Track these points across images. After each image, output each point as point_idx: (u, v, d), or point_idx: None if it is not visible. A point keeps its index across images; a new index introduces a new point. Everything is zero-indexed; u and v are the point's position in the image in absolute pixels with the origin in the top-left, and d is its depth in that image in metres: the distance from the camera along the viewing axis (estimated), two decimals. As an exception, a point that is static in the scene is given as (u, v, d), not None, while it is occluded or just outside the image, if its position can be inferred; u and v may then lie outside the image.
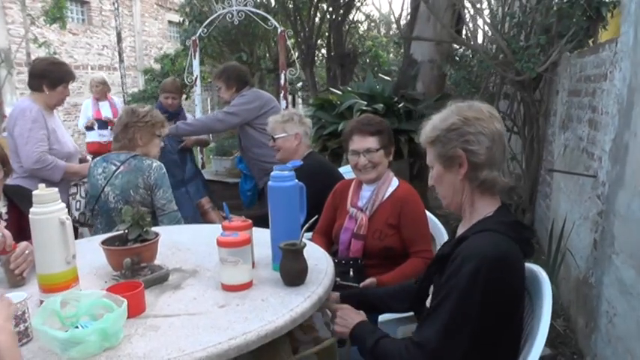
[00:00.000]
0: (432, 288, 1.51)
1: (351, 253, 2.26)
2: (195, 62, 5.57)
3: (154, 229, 1.93)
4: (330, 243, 2.45)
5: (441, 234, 2.45)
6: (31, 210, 1.54)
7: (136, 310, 1.46)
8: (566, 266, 3.30)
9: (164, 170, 2.67)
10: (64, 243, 1.55)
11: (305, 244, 1.65)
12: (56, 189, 1.59)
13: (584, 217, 3.03)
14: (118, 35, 6.86)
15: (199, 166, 5.76)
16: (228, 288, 1.62)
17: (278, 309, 1.46)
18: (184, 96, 4.75)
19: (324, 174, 2.85)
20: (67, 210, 1.60)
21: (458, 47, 6.07)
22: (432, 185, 1.53)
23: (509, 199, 4.93)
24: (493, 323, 1.30)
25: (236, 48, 9.38)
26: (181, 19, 9.74)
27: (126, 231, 1.81)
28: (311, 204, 2.52)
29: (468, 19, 5.29)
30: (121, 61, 7.18)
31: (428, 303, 1.50)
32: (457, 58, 5.75)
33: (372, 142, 2.25)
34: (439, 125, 1.44)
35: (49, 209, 1.53)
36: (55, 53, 6.68)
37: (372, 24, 14.33)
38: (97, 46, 13.33)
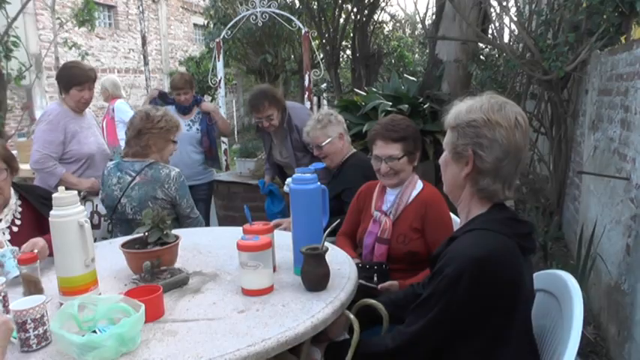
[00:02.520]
0: None
1: (375, 258, 2.21)
2: (220, 64, 5.59)
3: (175, 231, 1.93)
4: (354, 244, 2.41)
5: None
6: (51, 213, 1.55)
7: (154, 314, 1.45)
8: (596, 272, 3.19)
9: (183, 177, 2.62)
10: (82, 246, 1.55)
11: (327, 249, 1.62)
12: (75, 192, 1.59)
13: (615, 220, 2.93)
14: (143, 38, 6.95)
15: (223, 168, 5.77)
16: (248, 293, 1.60)
17: (299, 315, 1.43)
18: (209, 98, 4.73)
19: (371, 175, 2.79)
20: (86, 212, 1.60)
21: (484, 46, 5.98)
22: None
23: (536, 201, 4.82)
24: (487, 323, 1.28)
25: (260, 50, 9.42)
26: (206, 22, 9.81)
27: (146, 234, 1.80)
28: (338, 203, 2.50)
29: (494, 18, 5.19)
30: (146, 64, 7.27)
31: None
32: (483, 58, 5.66)
33: (394, 148, 2.18)
34: (463, 116, 1.39)
35: (68, 212, 1.54)
36: (86, 54, 6.70)
37: (397, 24, 14.24)
38: (123, 49, 13.52)
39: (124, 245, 1.80)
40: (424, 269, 2.11)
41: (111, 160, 3.09)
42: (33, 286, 1.66)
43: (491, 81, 4.93)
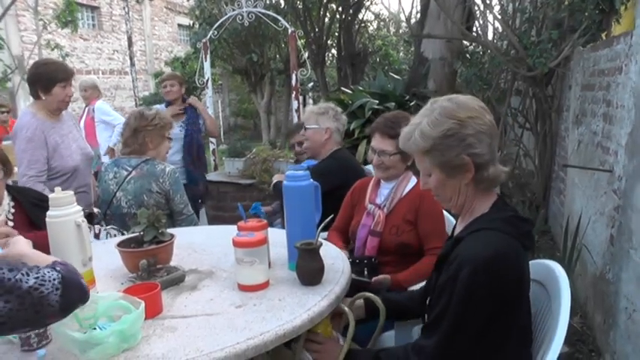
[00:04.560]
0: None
1: (366, 251, 2.24)
2: (207, 64, 5.59)
3: (170, 230, 1.95)
4: (346, 240, 2.45)
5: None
6: (48, 213, 1.56)
7: (153, 311, 1.47)
8: (582, 263, 3.27)
9: (177, 174, 2.71)
10: (80, 245, 1.56)
11: (321, 244, 1.65)
12: (72, 192, 1.60)
13: (599, 212, 3.00)
14: (129, 39, 6.92)
15: (212, 167, 5.77)
16: (244, 288, 1.62)
17: (295, 308, 1.45)
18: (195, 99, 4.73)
19: (347, 171, 2.84)
20: (82, 212, 1.61)
21: (469, 44, 6.04)
22: (428, 189, 1.47)
23: (522, 195, 4.90)
24: (498, 322, 1.28)
25: (246, 49, 9.41)
26: (191, 22, 9.78)
27: (141, 233, 1.82)
28: (331, 200, 2.53)
29: (478, 15, 5.26)
30: (132, 64, 7.22)
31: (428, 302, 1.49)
32: (468, 55, 5.72)
33: (389, 144, 2.23)
34: (431, 132, 1.34)
35: (65, 212, 1.55)
36: (67, 55, 6.61)
37: (382, 23, 14.30)
38: (107, 50, 13.42)
39: (120, 245, 1.82)
40: (414, 262, 2.15)
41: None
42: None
43: (476, 78, 4.99)
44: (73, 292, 1.14)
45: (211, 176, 5.07)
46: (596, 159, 3.16)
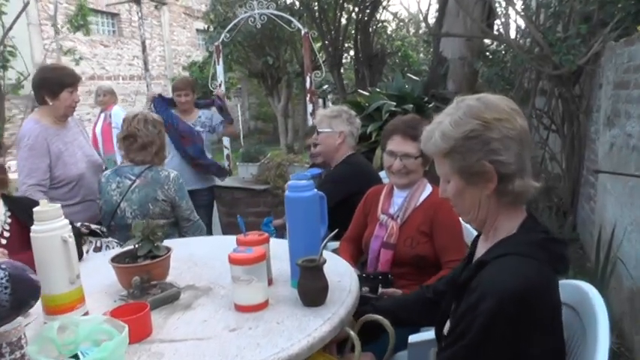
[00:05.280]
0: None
1: (380, 265, 2.13)
2: (219, 68, 5.50)
3: (170, 242, 1.83)
4: (358, 251, 2.33)
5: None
6: (32, 228, 1.46)
7: (140, 334, 1.35)
8: (616, 276, 3.05)
9: (181, 180, 2.62)
10: (66, 262, 1.45)
11: (325, 260, 1.50)
12: (59, 205, 1.49)
13: (636, 222, 2.78)
14: (143, 45, 6.91)
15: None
16: (241, 309, 1.49)
17: (294, 333, 1.31)
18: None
19: (362, 177, 2.71)
20: (70, 227, 1.49)
21: (490, 42, 5.86)
22: (446, 198, 1.31)
23: (549, 201, 4.67)
24: (525, 353, 1.12)
25: (262, 52, 9.34)
26: (206, 26, 9.76)
27: (136, 246, 1.70)
28: (347, 208, 2.41)
29: (499, 12, 5.06)
30: (147, 70, 7.22)
31: (445, 330, 1.32)
32: (489, 54, 5.54)
33: (412, 147, 2.09)
34: (452, 132, 1.20)
35: (50, 227, 1.45)
36: (80, 59, 6.58)
37: (401, 23, 14.13)
38: (127, 56, 13.56)
39: (115, 259, 1.70)
40: (430, 274, 2.00)
41: (106, 169, 2.95)
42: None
43: (498, 78, 4.80)
44: (23, 288, 1.12)
45: (225, 181, 4.97)
46: (631, 164, 2.94)
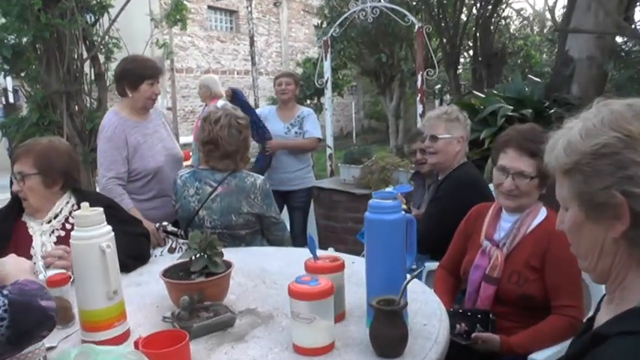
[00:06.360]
0: None
1: (479, 300, 1.79)
2: (326, 64, 5.30)
3: (245, 250, 1.61)
4: (456, 282, 2.01)
5: (599, 288, 1.79)
6: (72, 234, 1.32)
7: (173, 371, 1.13)
8: None
9: (268, 184, 2.34)
10: (103, 275, 1.29)
11: (406, 303, 1.19)
12: (101, 209, 1.32)
13: None
14: (251, 39, 6.94)
15: (328, 174, 5.50)
16: (300, 350, 1.23)
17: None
18: (309, 101, 4.51)
19: (474, 190, 2.33)
20: (112, 235, 1.31)
21: (625, 40, 5.07)
22: (562, 230, 0.95)
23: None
24: None
25: (375, 49, 9.06)
26: (319, 22, 9.69)
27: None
28: (451, 222, 2.05)
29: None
30: (253, 64, 7.27)
31: None
32: (623, 54, 4.77)
33: (528, 164, 1.74)
34: (579, 144, 0.86)
35: (88, 234, 1.29)
36: (171, 52, 6.62)
37: (525, 21, 13.12)
38: (243, 52, 13.99)
39: (167, 272, 1.51)
40: (539, 317, 1.72)
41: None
42: (63, 313, 1.42)
43: (632, 82, 4.09)
44: (27, 319, 0.98)
45: (324, 183, 4.79)
46: None
